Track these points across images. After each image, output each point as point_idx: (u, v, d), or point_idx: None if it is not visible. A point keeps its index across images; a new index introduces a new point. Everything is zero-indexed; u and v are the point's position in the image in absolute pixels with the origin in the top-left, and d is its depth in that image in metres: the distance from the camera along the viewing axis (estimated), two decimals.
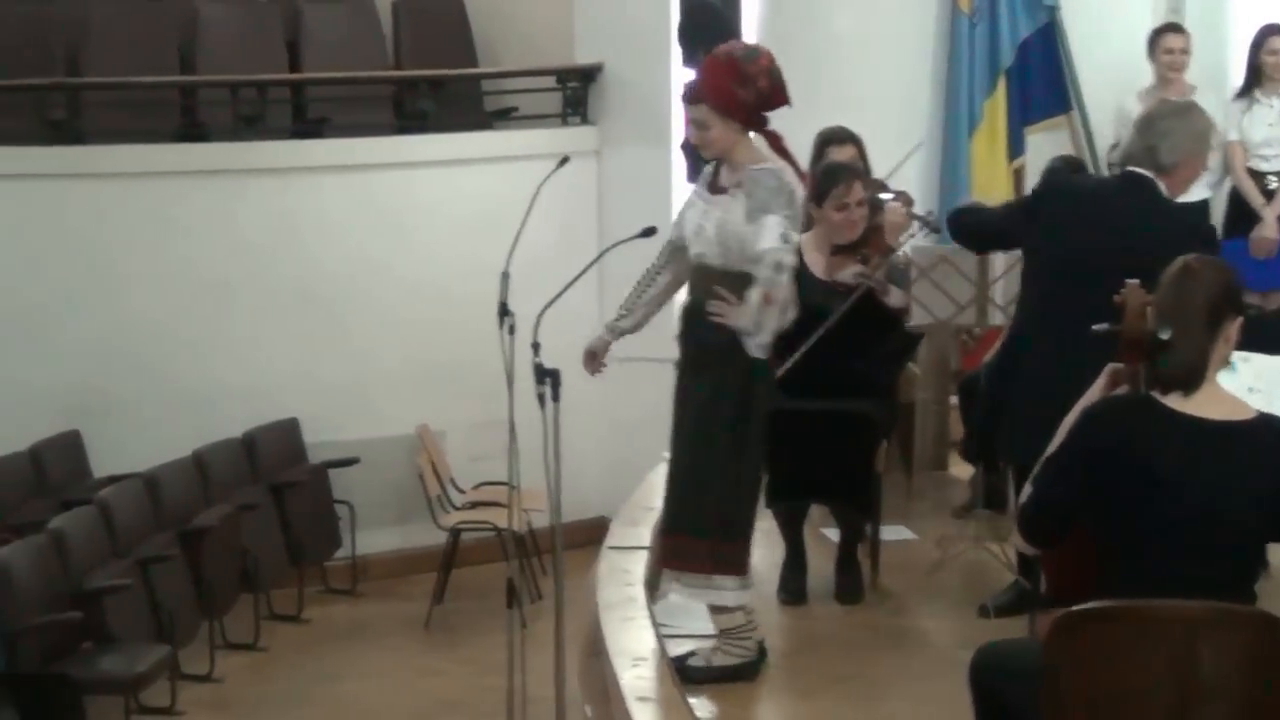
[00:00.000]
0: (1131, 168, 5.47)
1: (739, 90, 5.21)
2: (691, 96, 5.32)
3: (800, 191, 5.28)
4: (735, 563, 5.30)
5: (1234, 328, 3.86)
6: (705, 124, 5.25)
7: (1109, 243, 5.23)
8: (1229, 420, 3.80)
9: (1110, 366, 3.95)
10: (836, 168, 6.56)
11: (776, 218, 5.16)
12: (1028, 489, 3.94)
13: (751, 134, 5.30)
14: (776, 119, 5.40)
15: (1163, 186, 5.41)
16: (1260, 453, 3.78)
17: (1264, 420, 3.85)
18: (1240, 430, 3.79)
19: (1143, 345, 3.81)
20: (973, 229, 5.91)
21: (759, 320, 5.15)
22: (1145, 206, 5.37)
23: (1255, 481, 3.76)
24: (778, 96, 5.29)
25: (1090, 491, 3.79)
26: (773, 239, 5.14)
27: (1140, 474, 3.74)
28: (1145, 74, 8.80)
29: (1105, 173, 8.48)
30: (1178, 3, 9.50)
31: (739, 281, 5.19)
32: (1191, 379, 3.79)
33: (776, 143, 5.35)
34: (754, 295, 5.14)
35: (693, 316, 5.33)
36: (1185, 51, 8.70)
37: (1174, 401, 3.79)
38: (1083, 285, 5.09)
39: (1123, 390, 3.90)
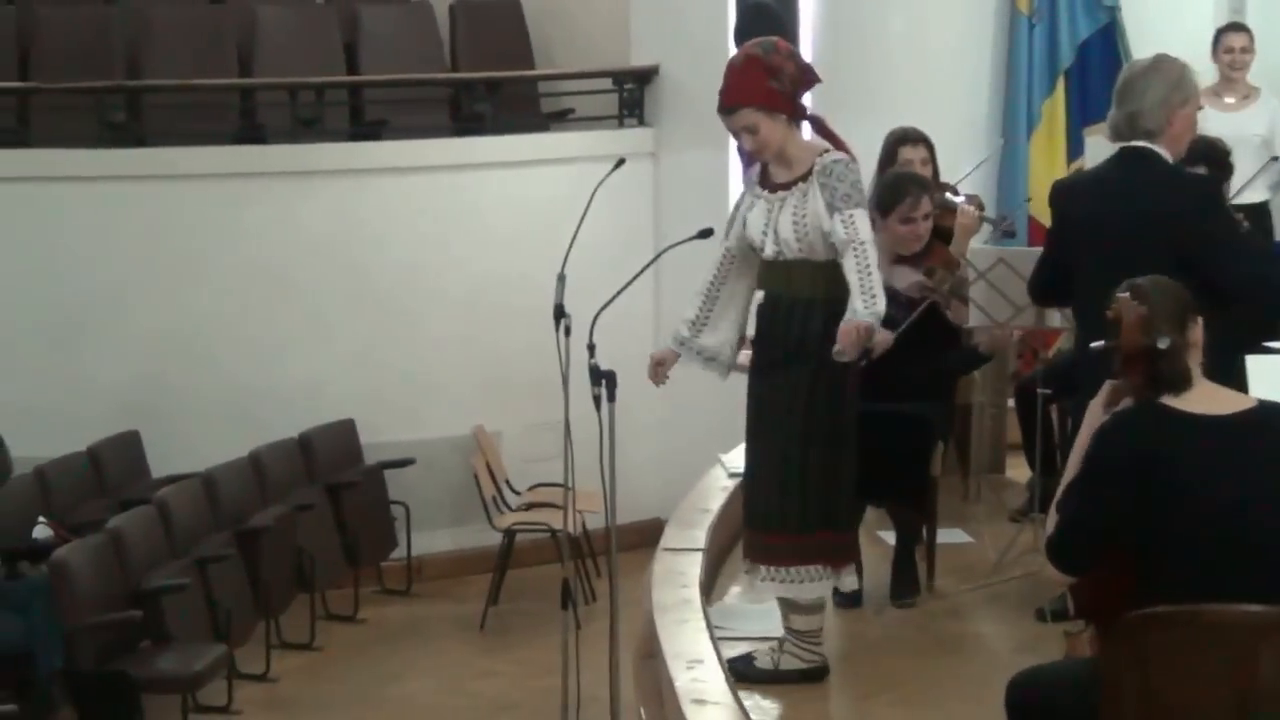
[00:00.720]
0: (1124, 143, 5.26)
1: (774, 83, 5.21)
2: (730, 106, 5.29)
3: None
4: (849, 551, 5.41)
5: (1198, 330, 3.89)
6: (754, 127, 5.24)
7: (1128, 230, 5.11)
8: (1236, 413, 3.82)
9: (1108, 383, 3.93)
10: (905, 179, 6.51)
11: (864, 211, 5.23)
12: (1053, 516, 3.90)
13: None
14: (835, 117, 5.39)
15: (1161, 151, 5.20)
16: (1275, 440, 3.82)
17: (1266, 408, 3.87)
18: (1250, 421, 3.81)
19: (1144, 357, 3.80)
20: (1037, 284, 5.76)
21: (878, 312, 5.17)
22: (1147, 180, 5.18)
23: (1275, 469, 3.76)
24: (808, 77, 5.32)
25: (1120, 509, 3.76)
26: (866, 231, 5.19)
27: (1167, 480, 3.72)
28: (1207, 74, 8.71)
29: None
30: (1239, 2, 9.41)
31: (820, 271, 5.23)
32: (1185, 381, 3.82)
33: (821, 126, 5.37)
34: (869, 280, 5.13)
35: (775, 312, 5.33)
36: (1246, 51, 8.62)
37: (1177, 402, 3.81)
38: (1112, 279, 5.03)
39: (1126, 404, 3.88)
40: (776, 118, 5.23)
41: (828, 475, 5.31)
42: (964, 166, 7.28)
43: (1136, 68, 5.35)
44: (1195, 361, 3.88)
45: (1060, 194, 5.51)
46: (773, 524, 5.34)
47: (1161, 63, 5.30)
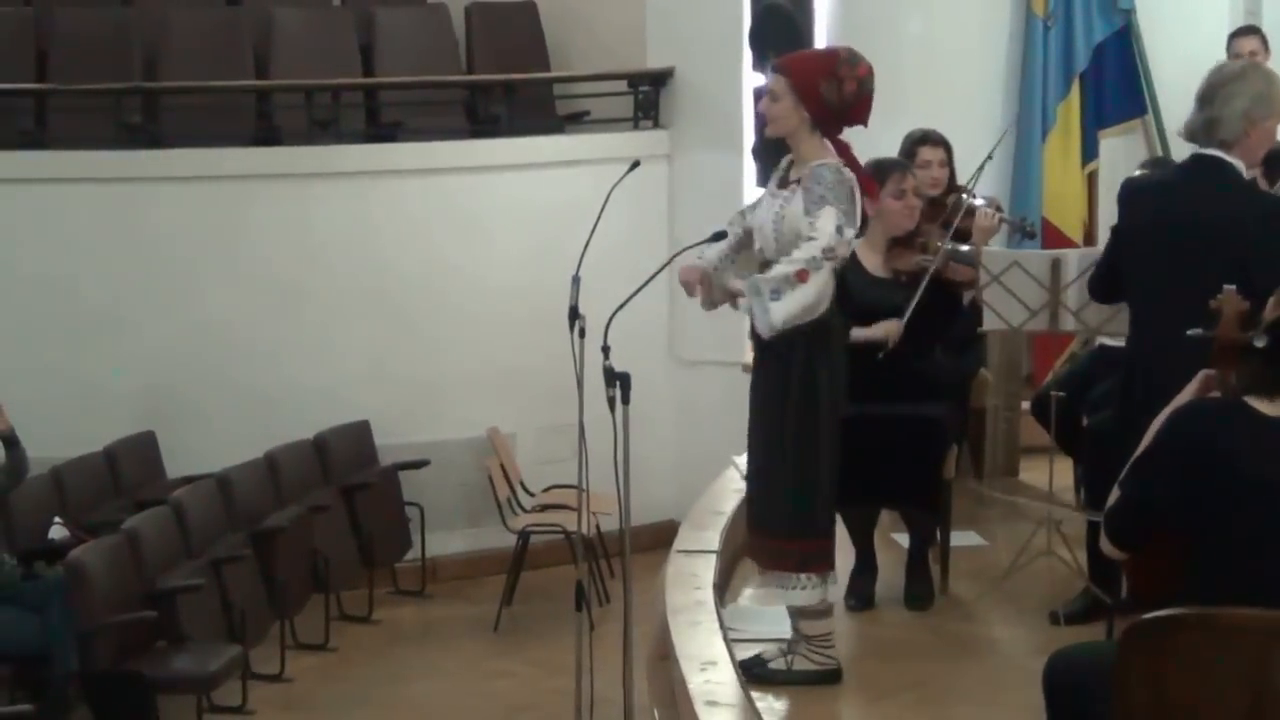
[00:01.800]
0: (1199, 149, 5.24)
1: (823, 83, 5.20)
2: (778, 66, 5.33)
3: (859, 191, 5.25)
4: (815, 561, 5.32)
5: None
6: (777, 95, 5.26)
7: (1192, 237, 5.10)
8: None
9: (1203, 372, 3.92)
10: (885, 161, 6.54)
11: (834, 209, 5.15)
12: (1115, 491, 3.91)
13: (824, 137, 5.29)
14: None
15: (1235, 161, 5.17)
16: None
17: None
18: None
19: (1237, 352, 3.78)
20: (1096, 281, 5.76)
21: (778, 289, 5.09)
22: (1219, 191, 5.15)
23: None
24: (857, 110, 5.26)
25: (1177, 493, 3.75)
26: (829, 227, 5.12)
27: (1226, 477, 3.70)
28: None
29: None
30: (1255, 5, 9.38)
31: None
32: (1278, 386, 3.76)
33: (845, 152, 5.32)
34: (784, 268, 5.10)
35: None
36: (1256, 54, 8.57)
37: (1263, 405, 3.75)
38: (1176, 287, 5.03)
39: (1214, 396, 3.86)
40: (801, 109, 5.23)
41: (791, 481, 5.28)
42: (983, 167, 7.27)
43: (1224, 73, 5.32)
44: None
45: (1130, 194, 5.51)
46: (760, 524, 5.39)
47: (1249, 73, 5.27)
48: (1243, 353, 3.78)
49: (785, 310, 5.11)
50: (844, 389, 5.33)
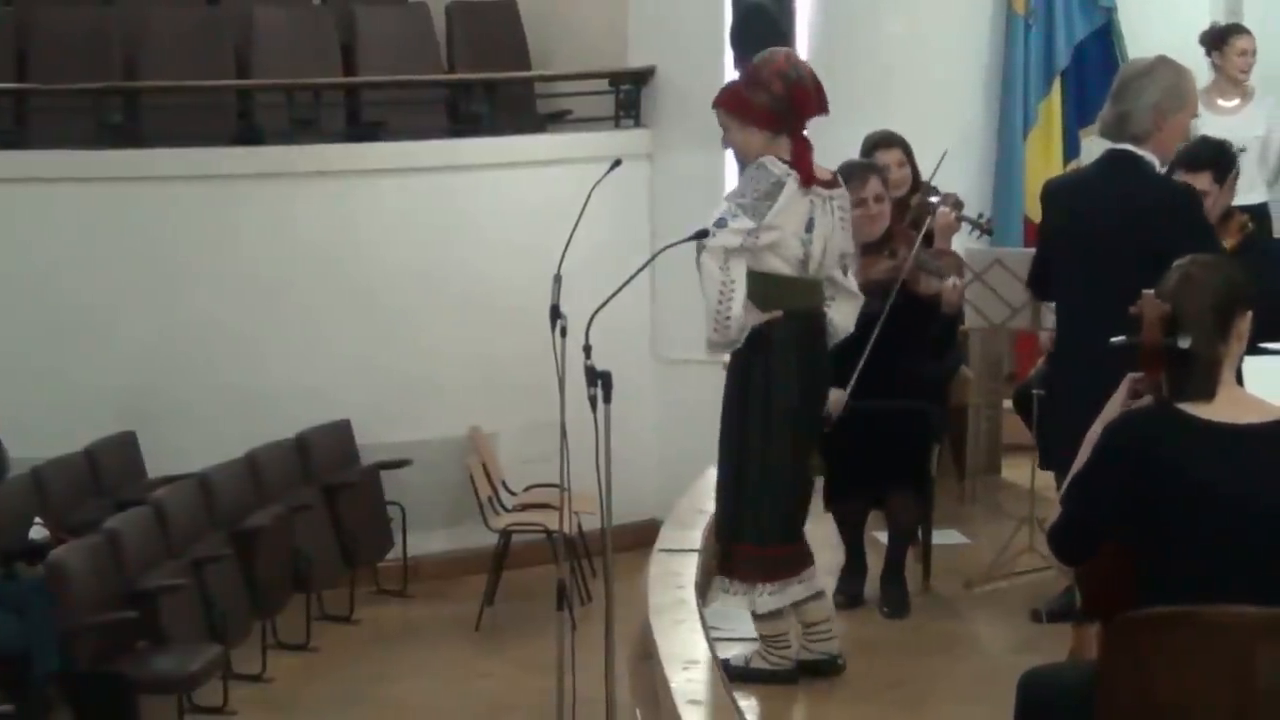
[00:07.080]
0: (1112, 145, 5.25)
1: (751, 94, 5.21)
2: (714, 101, 5.33)
3: (792, 186, 5.17)
4: (743, 568, 5.31)
5: (1245, 323, 3.81)
6: (725, 127, 5.30)
7: (1106, 234, 5.12)
8: (1252, 423, 3.75)
9: (1130, 377, 3.91)
10: (854, 164, 6.50)
11: (727, 203, 5.19)
12: (1056, 507, 3.91)
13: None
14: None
15: (1147, 155, 5.20)
16: None
17: None
18: (1265, 432, 3.74)
19: (1162, 355, 3.77)
20: (1032, 280, 5.79)
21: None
22: (1132, 186, 5.17)
23: None
24: (798, 101, 5.21)
25: (1119, 506, 3.75)
26: (711, 220, 5.16)
27: (1168, 484, 3.69)
28: (1203, 76, 8.70)
29: None
30: (1236, 4, 9.41)
31: (750, 275, 5.21)
32: (1209, 384, 3.75)
33: (800, 147, 5.24)
34: None
35: None
36: (1254, 53, 8.61)
37: (1195, 408, 3.75)
38: (1094, 284, 5.04)
39: (1144, 401, 3.86)
40: (749, 129, 5.23)
41: (732, 486, 5.31)
42: (965, 166, 7.26)
43: (1134, 68, 5.34)
44: (1234, 356, 3.79)
45: (1048, 194, 5.55)
46: (718, 529, 5.43)
47: (1158, 66, 5.28)
48: (1168, 355, 3.77)
49: (709, 325, 5.21)
50: (794, 401, 5.26)
